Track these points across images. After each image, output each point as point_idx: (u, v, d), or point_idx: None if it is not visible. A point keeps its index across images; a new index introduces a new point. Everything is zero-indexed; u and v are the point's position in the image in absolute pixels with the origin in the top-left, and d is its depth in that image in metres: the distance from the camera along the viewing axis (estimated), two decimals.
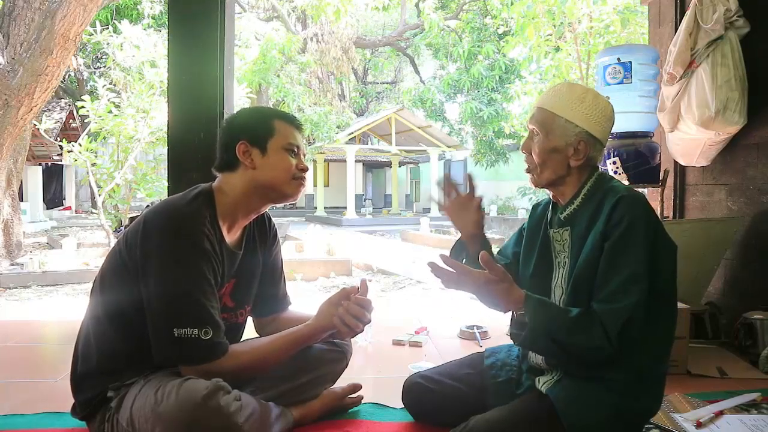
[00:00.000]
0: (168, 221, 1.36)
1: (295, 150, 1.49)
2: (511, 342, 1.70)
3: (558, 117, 1.40)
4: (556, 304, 1.37)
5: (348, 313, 1.44)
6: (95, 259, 7.48)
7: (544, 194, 1.61)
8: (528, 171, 1.47)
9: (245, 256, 1.54)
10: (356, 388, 1.81)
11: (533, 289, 1.47)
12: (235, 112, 1.62)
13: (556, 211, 1.48)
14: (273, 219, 1.70)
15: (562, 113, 1.40)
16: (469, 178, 1.66)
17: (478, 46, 16.62)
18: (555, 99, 1.42)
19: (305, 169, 1.51)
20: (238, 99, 7.78)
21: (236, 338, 1.55)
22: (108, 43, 8.06)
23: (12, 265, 7.31)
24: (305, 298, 5.65)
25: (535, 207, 1.61)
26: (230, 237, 1.49)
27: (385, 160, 22.41)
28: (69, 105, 13.45)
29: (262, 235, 1.63)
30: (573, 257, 1.39)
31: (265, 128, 1.47)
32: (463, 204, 1.64)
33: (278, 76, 13.76)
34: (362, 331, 1.49)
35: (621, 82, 2.72)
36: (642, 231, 1.29)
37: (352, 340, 1.83)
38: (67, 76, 15.71)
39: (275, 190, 1.47)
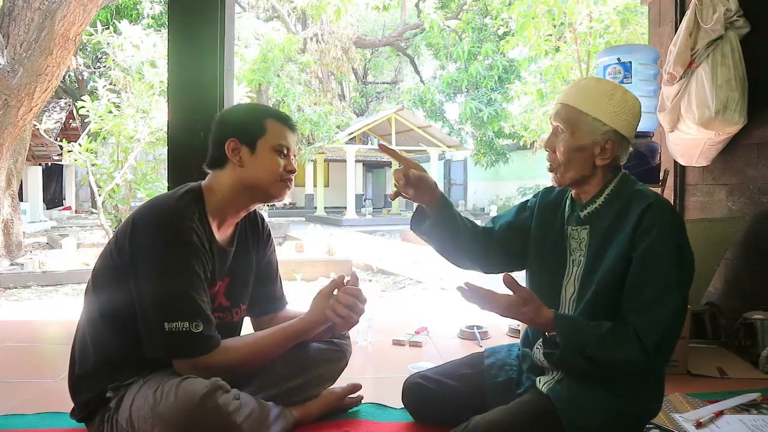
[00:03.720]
0: (155, 218, 1.36)
1: (285, 151, 1.48)
2: (512, 342, 1.71)
3: (585, 114, 1.35)
4: (587, 321, 1.32)
5: (339, 303, 1.44)
6: (95, 259, 7.46)
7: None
8: (551, 170, 1.43)
9: (237, 255, 1.54)
10: (356, 388, 1.81)
11: (542, 284, 1.46)
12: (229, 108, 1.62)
13: (575, 209, 1.45)
14: (272, 219, 1.70)
15: (590, 111, 1.35)
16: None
17: (478, 46, 16.63)
18: (582, 95, 1.37)
19: (293, 171, 1.50)
20: (238, 99, 7.77)
21: (232, 337, 1.55)
22: (108, 43, 8.05)
23: (12, 265, 7.30)
24: (305, 299, 5.65)
25: (547, 192, 1.56)
26: (220, 234, 1.49)
27: (385, 160, 22.40)
28: (69, 105, 13.44)
29: (255, 235, 1.62)
30: (590, 257, 1.38)
31: (256, 127, 1.46)
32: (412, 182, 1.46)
33: (278, 75, 13.76)
34: (357, 322, 1.49)
35: (621, 82, 2.72)
36: (672, 241, 1.28)
37: (352, 340, 1.83)
38: (67, 76, 15.72)
39: (261, 189, 1.47)
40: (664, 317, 1.24)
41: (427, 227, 1.53)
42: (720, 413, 1.72)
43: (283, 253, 8.11)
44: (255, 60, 12.52)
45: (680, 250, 1.28)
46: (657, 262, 1.27)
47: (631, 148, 1.44)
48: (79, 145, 7.34)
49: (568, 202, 1.49)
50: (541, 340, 1.42)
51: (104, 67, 11.09)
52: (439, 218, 1.51)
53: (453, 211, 1.53)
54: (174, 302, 1.31)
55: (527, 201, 1.61)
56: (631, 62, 2.71)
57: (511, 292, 1.31)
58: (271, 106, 10.55)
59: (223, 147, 1.44)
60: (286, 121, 1.51)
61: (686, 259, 1.29)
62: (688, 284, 1.30)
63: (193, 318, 1.31)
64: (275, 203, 1.55)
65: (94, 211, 9.03)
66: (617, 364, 1.28)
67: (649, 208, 1.29)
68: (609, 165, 1.39)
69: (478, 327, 2.80)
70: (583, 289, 1.37)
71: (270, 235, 1.69)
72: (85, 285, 1.48)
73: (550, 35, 7.99)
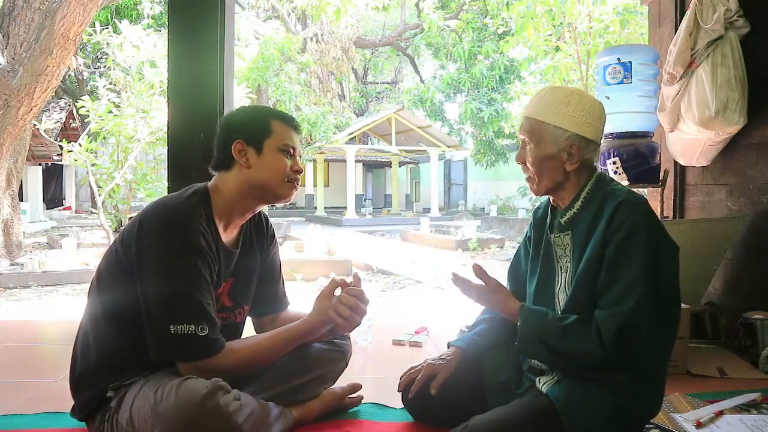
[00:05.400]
0: (163, 219, 1.37)
1: (291, 151, 1.49)
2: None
3: (546, 124, 1.39)
4: (553, 312, 1.38)
5: (341, 303, 1.45)
6: (95, 259, 7.48)
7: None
8: (527, 180, 1.47)
9: (242, 256, 1.55)
10: (356, 388, 1.81)
11: (539, 295, 1.48)
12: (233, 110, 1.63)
13: (556, 215, 1.48)
14: (272, 219, 1.70)
15: (549, 119, 1.39)
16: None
17: (478, 46, 16.64)
18: (540, 106, 1.41)
19: (299, 171, 1.51)
20: (238, 99, 7.77)
21: (235, 338, 1.55)
22: (108, 43, 8.05)
23: (12, 265, 7.30)
24: (305, 299, 5.65)
25: (535, 212, 1.61)
26: (227, 236, 1.49)
27: (385, 160, 22.40)
28: (69, 105, 13.45)
29: (260, 235, 1.63)
30: (575, 262, 1.39)
31: (262, 128, 1.47)
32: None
33: (277, 75, 13.75)
34: (359, 323, 1.49)
35: (621, 82, 2.72)
36: (643, 236, 1.29)
37: (352, 340, 1.83)
38: (67, 76, 15.71)
39: (268, 190, 1.48)
40: (622, 312, 1.25)
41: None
42: (720, 413, 1.72)
43: (283, 253, 8.08)
44: (254, 59, 12.51)
45: (654, 246, 1.29)
46: (626, 259, 1.28)
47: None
48: (79, 145, 7.34)
49: (549, 210, 1.52)
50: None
51: (104, 67, 11.07)
52: (478, 352, 1.62)
53: (481, 341, 1.62)
54: (179, 305, 1.32)
55: (527, 233, 1.64)
56: (631, 62, 2.72)
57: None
58: (270, 106, 10.57)
59: (230, 149, 1.45)
60: (290, 122, 1.52)
61: (662, 254, 1.29)
62: (666, 279, 1.29)
63: (199, 321, 1.32)
64: (279, 204, 1.56)
65: (94, 211, 9.03)
66: (575, 355, 1.31)
67: (620, 206, 1.31)
68: (580, 168, 1.41)
69: None
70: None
71: (274, 235, 1.70)
72: (86, 285, 1.49)
73: (550, 35, 7.99)
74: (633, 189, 1.64)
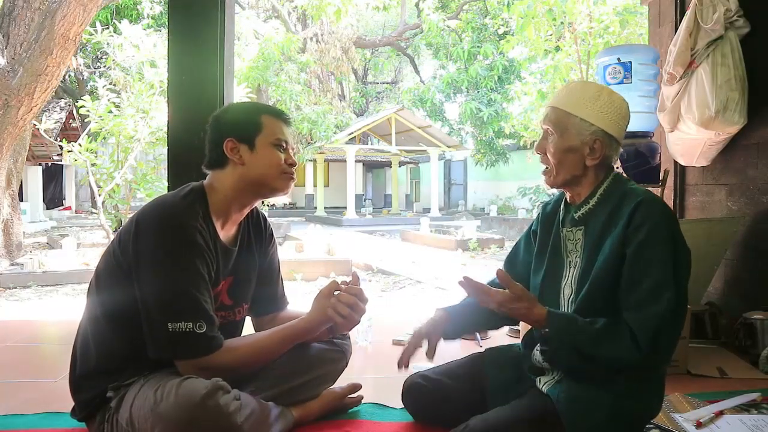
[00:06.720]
0: (160, 218, 1.37)
1: (284, 145, 1.49)
2: (512, 342, 1.71)
3: (572, 116, 1.39)
4: (581, 318, 1.34)
5: (340, 302, 1.45)
6: (95, 259, 7.47)
7: (545, 195, 1.61)
8: (544, 172, 1.46)
9: (241, 254, 1.55)
10: (356, 387, 1.81)
11: (545, 289, 1.47)
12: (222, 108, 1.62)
13: (569, 210, 1.47)
14: (272, 219, 1.70)
15: (577, 112, 1.38)
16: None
17: (477, 46, 16.64)
18: (569, 98, 1.41)
19: (294, 164, 1.51)
20: (238, 99, 7.75)
21: (234, 336, 1.54)
22: (108, 43, 8.05)
23: (12, 265, 7.30)
24: (305, 299, 5.65)
25: (544, 206, 1.60)
26: (224, 233, 1.49)
27: (385, 160, 22.39)
28: (69, 105, 13.46)
29: (258, 234, 1.63)
30: (585, 258, 1.39)
31: (252, 124, 1.47)
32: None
33: (277, 75, 13.74)
34: (359, 322, 1.49)
35: (621, 82, 2.71)
36: (664, 236, 1.29)
37: (352, 340, 1.83)
38: (67, 76, 15.72)
39: (265, 185, 1.48)
40: (657, 314, 1.25)
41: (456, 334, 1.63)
42: (720, 413, 1.72)
43: (283, 253, 8.09)
44: (254, 59, 12.50)
45: (673, 246, 1.29)
46: (650, 258, 1.28)
47: (622, 149, 1.45)
48: (79, 145, 7.33)
49: (562, 205, 1.51)
50: (539, 343, 1.43)
51: (104, 67, 11.07)
52: (459, 330, 1.62)
53: (466, 317, 1.60)
54: (177, 302, 1.32)
55: (531, 225, 1.63)
56: (631, 62, 2.71)
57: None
58: (270, 105, 10.54)
59: (222, 147, 1.45)
60: (280, 116, 1.52)
61: (680, 254, 1.30)
62: (683, 280, 1.30)
63: (197, 318, 1.32)
64: (276, 201, 1.56)
65: (94, 211, 9.03)
66: (611, 361, 1.29)
67: (640, 205, 1.30)
68: (599, 165, 1.41)
69: None
70: (580, 290, 1.38)
71: (272, 234, 1.70)
72: (86, 285, 1.49)
73: (550, 35, 7.99)
74: None
